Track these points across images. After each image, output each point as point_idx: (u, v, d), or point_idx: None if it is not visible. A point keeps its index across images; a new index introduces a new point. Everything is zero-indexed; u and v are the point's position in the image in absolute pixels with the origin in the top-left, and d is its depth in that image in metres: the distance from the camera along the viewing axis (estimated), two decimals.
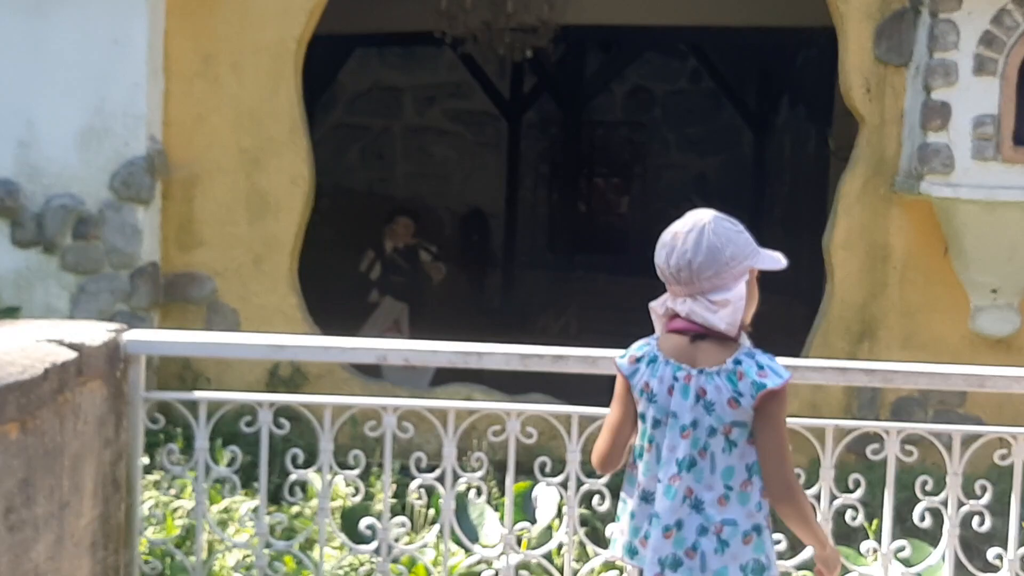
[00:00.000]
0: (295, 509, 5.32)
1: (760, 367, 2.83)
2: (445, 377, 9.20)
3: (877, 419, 7.46)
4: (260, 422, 3.90)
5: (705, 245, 2.84)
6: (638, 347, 3.01)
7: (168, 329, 7.45)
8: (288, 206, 7.49)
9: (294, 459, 3.94)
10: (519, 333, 11.14)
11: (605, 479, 3.91)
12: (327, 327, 9.75)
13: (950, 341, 7.51)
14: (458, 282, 11.78)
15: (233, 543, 4.17)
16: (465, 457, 4.60)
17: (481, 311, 11.69)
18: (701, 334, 2.88)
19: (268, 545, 4.38)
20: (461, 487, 4.03)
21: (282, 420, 3.94)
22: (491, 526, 5.62)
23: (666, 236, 2.94)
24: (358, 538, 4.20)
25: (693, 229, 2.89)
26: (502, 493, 5.65)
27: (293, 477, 3.94)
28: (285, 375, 7.52)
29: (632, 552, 2.98)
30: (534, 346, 3.95)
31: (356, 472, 4.07)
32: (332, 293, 10.32)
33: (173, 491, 4.87)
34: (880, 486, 4.08)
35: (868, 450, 4.05)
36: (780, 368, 2.86)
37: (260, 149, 7.45)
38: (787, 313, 10.69)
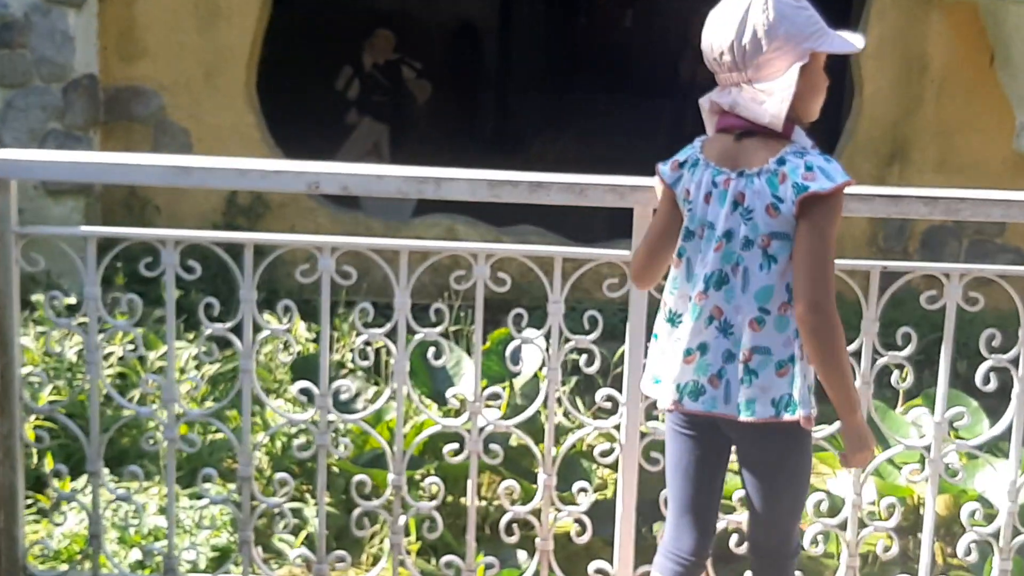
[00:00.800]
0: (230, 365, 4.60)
1: (808, 168, 2.42)
2: (429, 207, 8.44)
3: (906, 251, 6.74)
4: (164, 263, 3.12)
5: (754, 22, 2.49)
6: (683, 151, 2.65)
7: (112, 151, 6.65)
8: (242, 10, 6.59)
9: (207, 309, 3.16)
10: (512, 159, 10.28)
11: (594, 335, 3.17)
12: (298, 151, 8.93)
13: (991, 164, 6.76)
14: (447, 103, 10.88)
15: (139, 411, 3.41)
16: (444, 298, 3.83)
17: (471, 135, 10.83)
18: (747, 131, 2.52)
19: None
20: (436, 337, 3.26)
21: (192, 263, 3.15)
22: (468, 376, 4.91)
23: (713, 14, 2.57)
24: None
25: (742, 4, 2.51)
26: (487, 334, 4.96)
27: (207, 331, 3.17)
28: (244, 203, 6.73)
29: (655, 381, 2.67)
30: (507, 172, 3.14)
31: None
32: (307, 114, 9.47)
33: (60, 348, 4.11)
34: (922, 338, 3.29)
35: (923, 298, 3.25)
36: (834, 170, 2.44)
37: None
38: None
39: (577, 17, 12.49)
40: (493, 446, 3.30)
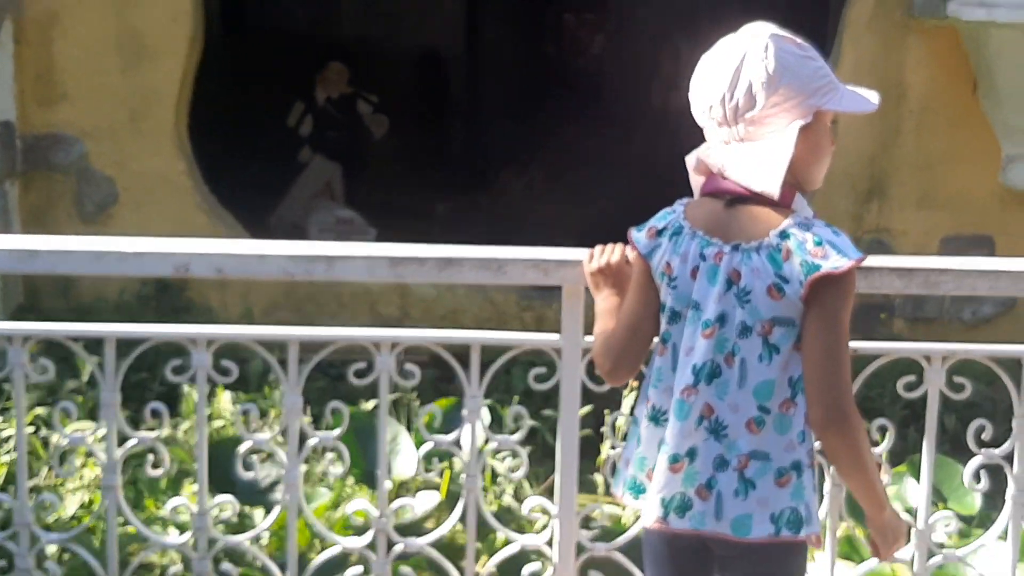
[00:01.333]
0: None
1: (817, 242, 2.11)
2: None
3: (885, 301, 6.27)
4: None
5: (750, 72, 2.17)
6: (661, 216, 2.32)
7: (32, 203, 6.20)
8: (169, 49, 6.13)
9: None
10: (478, 193, 9.88)
11: (519, 435, 2.73)
12: (248, 194, 8.50)
13: (976, 198, 6.35)
14: (412, 135, 10.43)
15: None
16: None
17: (437, 168, 10.35)
18: (740, 196, 2.20)
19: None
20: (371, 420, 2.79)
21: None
22: (407, 454, 4.44)
23: (704, 60, 2.25)
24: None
25: (738, 50, 2.19)
26: (436, 396, 4.49)
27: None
28: None
29: (637, 490, 2.29)
30: (412, 245, 2.67)
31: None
32: (260, 153, 9.02)
33: None
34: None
35: (901, 384, 2.79)
36: (846, 245, 2.13)
37: None
38: None
39: (545, 44, 12.05)
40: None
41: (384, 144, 9.38)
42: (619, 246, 2.45)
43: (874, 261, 2.61)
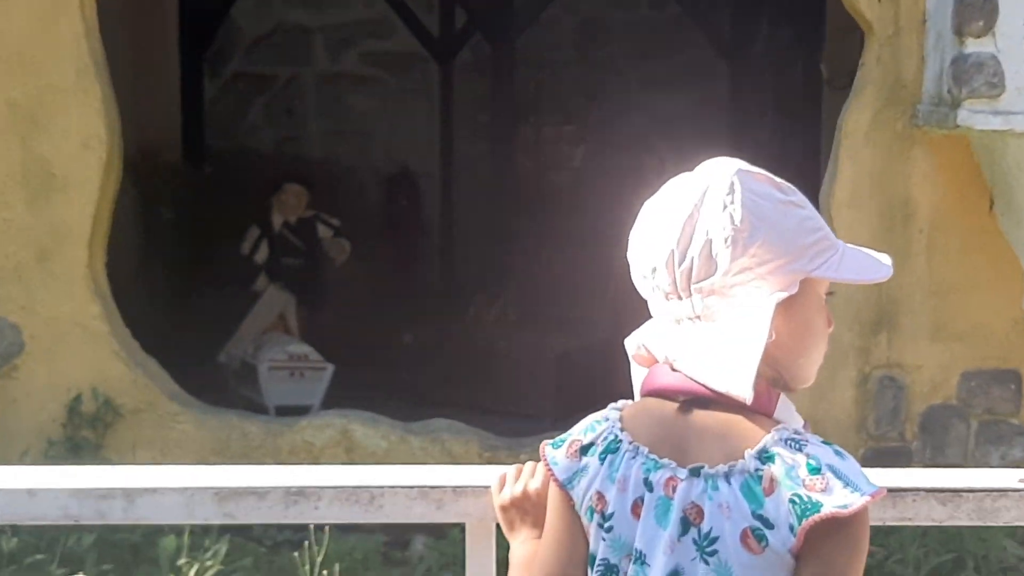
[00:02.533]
0: None
1: (814, 468, 1.51)
2: (340, 385, 7.24)
3: (902, 436, 5.55)
4: None
5: (711, 223, 1.55)
6: (588, 424, 1.67)
7: None
8: (80, 179, 5.47)
9: None
10: (449, 321, 9.17)
11: None
12: (200, 330, 7.81)
13: (996, 328, 5.70)
14: (378, 260, 9.79)
15: None
16: None
17: (405, 295, 9.66)
18: (699, 397, 1.57)
19: None
20: None
21: None
22: None
23: (648, 206, 1.63)
24: None
25: (693, 192, 1.58)
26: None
27: None
28: (89, 411, 5.49)
29: None
30: (252, 470, 1.93)
31: None
32: (220, 283, 8.34)
33: None
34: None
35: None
36: (854, 471, 1.53)
37: (36, 102, 5.40)
38: None
39: (518, 157, 11.47)
40: None
41: (347, 270, 8.70)
42: (541, 467, 1.72)
43: (903, 478, 1.86)
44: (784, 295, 1.53)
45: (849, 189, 5.47)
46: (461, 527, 1.90)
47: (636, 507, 1.56)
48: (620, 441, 1.59)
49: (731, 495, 1.51)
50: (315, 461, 5.61)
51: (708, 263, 1.54)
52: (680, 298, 1.56)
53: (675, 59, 11.36)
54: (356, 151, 11.42)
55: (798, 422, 1.61)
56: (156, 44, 9.67)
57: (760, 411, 1.56)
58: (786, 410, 1.60)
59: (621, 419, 1.62)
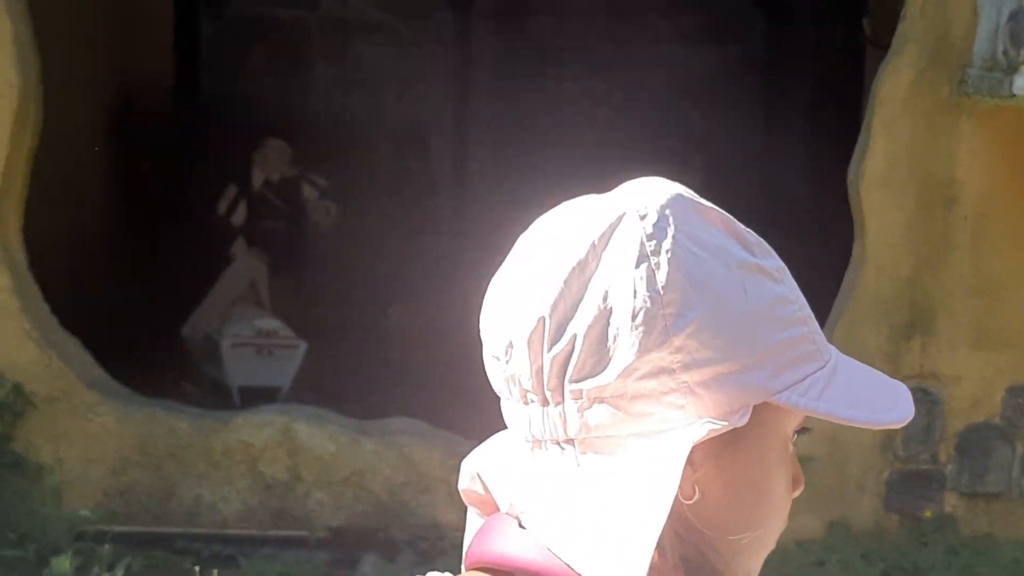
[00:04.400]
0: None
1: None
2: (313, 366, 6.55)
3: (936, 459, 4.77)
4: None
5: (617, 284, 0.84)
6: None
7: None
8: None
9: None
10: (455, 296, 8.42)
11: None
12: (169, 299, 7.15)
13: None
14: (390, 222, 9.13)
15: None
16: None
17: (417, 263, 8.95)
18: None
19: None
20: None
21: None
22: None
23: (519, 249, 0.89)
24: None
25: (596, 228, 0.86)
26: None
27: None
28: None
29: None
30: None
31: None
32: (193, 247, 7.66)
33: None
34: None
35: None
36: None
37: None
38: (806, 283, 7.86)
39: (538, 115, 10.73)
40: None
41: (337, 236, 7.99)
42: None
43: None
44: (721, 426, 0.83)
45: (882, 166, 4.72)
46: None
47: None
48: None
49: None
50: (253, 465, 4.91)
51: (599, 350, 0.85)
52: (545, 403, 0.86)
53: (708, 11, 10.56)
54: (363, 104, 10.71)
55: None
56: None
57: None
58: None
59: None
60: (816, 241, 8.08)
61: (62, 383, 4.87)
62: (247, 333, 6.64)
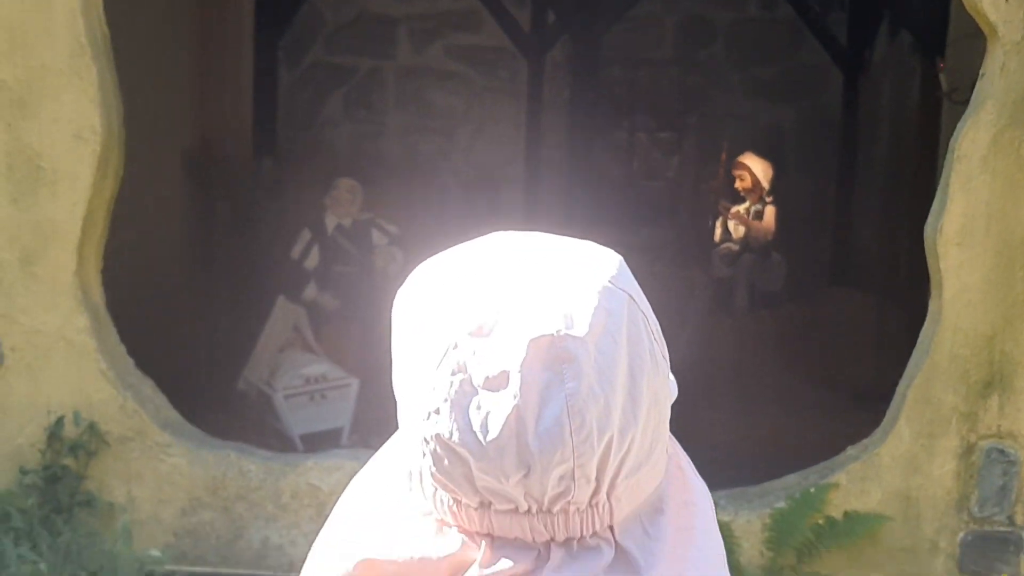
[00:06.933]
0: None
1: None
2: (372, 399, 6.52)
3: (1012, 520, 4.64)
4: None
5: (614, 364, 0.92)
6: None
7: None
8: (71, 173, 4.82)
9: None
10: None
11: None
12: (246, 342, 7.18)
13: None
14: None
15: None
16: None
17: None
18: None
19: None
20: None
21: None
22: None
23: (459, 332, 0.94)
24: None
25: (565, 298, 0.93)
26: None
27: None
28: (71, 437, 4.86)
29: None
30: None
31: None
32: (272, 290, 7.69)
33: None
34: None
35: None
36: None
37: (25, 86, 4.77)
38: (873, 334, 7.76)
39: (609, 165, 10.66)
40: None
41: (401, 281, 7.99)
42: None
43: None
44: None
45: (960, 223, 4.58)
46: None
47: None
48: None
49: None
50: (321, 508, 4.91)
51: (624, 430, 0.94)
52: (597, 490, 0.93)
53: (784, 64, 10.46)
54: (437, 151, 10.76)
55: None
56: (229, 30, 9.11)
57: None
58: None
59: None
60: (890, 298, 7.97)
61: (136, 423, 4.90)
62: (296, 384, 6.55)
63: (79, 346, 4.86)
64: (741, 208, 9.22)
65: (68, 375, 4.87)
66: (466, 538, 0.93)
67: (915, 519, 4.69)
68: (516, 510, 0.91)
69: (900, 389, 4.77)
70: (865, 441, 4.84)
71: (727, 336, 8.52)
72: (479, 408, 0.89)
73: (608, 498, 0.91)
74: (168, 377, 5.32)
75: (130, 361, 5.03)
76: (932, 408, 4.66)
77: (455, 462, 0.91)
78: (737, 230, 9.28)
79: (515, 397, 0.88)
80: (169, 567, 4.66)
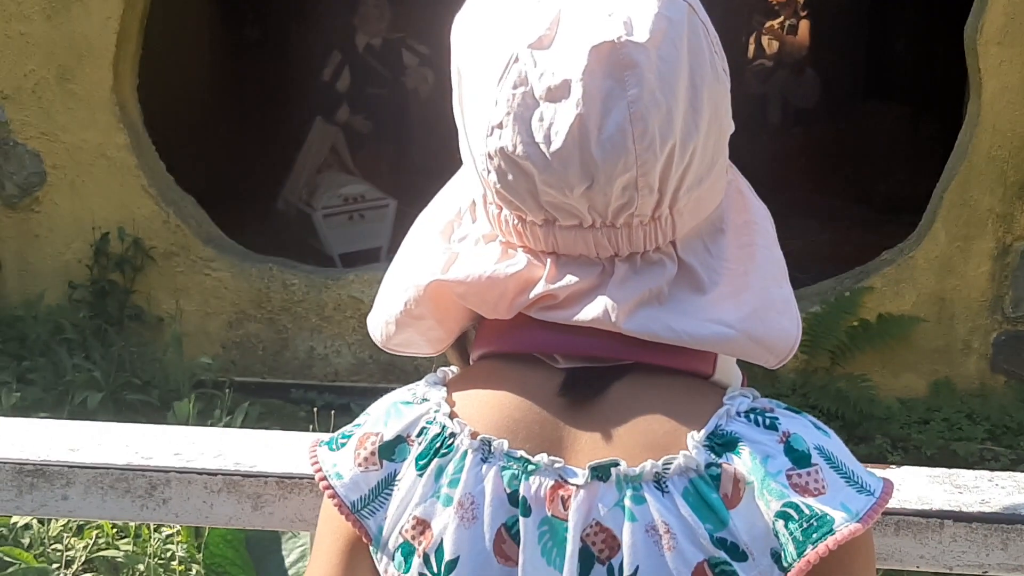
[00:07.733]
0: None
1: (799, 458, 0.90)
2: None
3: None
4: None
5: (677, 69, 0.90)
6: (387, 410, 0.98)
7: None
8: None
9: None
10: None
11: None
12: (246, 167, 7.20)
13: None
14: None
15: None
16: None
17: None
18: (625, 366, 0.93)
19: None
20: None
21: None
22: None
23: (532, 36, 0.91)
24: None
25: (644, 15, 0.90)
26: None
27: None
28: (117, 252, 4.95)
29: None
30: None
31: None
32: (304, 113, 7.68)
33: None
34: None
35: None
36: (849, 458, 0.92)
37: None
38: (908, 145, 7.71)
39: None
40: None
41: (432, 103, 7.95)
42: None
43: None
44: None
45: (1001, 22, 4.51)
46: None
47: (501, 542, 0.90)
48: (453, 435, 0.93)
49: (670, 511, 0.89)
50: (363, 320, 5.01)
51: (686, 135, 0.94)
52: (659, 191, 0.93)
53: None
54: None
55: (736, 377, 0.97)
56: None
57: (698, 371, 0.94)
58: (726, 370, 0.96)
59: (449, 399, 0.96)
60: (924, 109, 7.89)
61: (179, 238, 4.99)
62: (335, 203, 6.59)
63: (120, 163, 4.91)
64: (775, 23, 9.07)
65: (111, 192, 4.93)
66: (531, 257, 0.94)
67: (949, 320, 4.74)
68: (580, 225, 0.91)
69: (936, 192, 4.76)
70: (900, 245, 4.86)
71: (761, 154, 8.48)
72: (542, 120, 0.88)
73: (671, 211, 0.92)
74: (206, 197, 5.38)
75: (170, 178, 5.08)
76: (968, 210, 4.67)
77: (519, 176, 0.90)
78: (771, 45, 9.15)
79: (577, 106, 0.86)
80: (218, 376, 4.79)
